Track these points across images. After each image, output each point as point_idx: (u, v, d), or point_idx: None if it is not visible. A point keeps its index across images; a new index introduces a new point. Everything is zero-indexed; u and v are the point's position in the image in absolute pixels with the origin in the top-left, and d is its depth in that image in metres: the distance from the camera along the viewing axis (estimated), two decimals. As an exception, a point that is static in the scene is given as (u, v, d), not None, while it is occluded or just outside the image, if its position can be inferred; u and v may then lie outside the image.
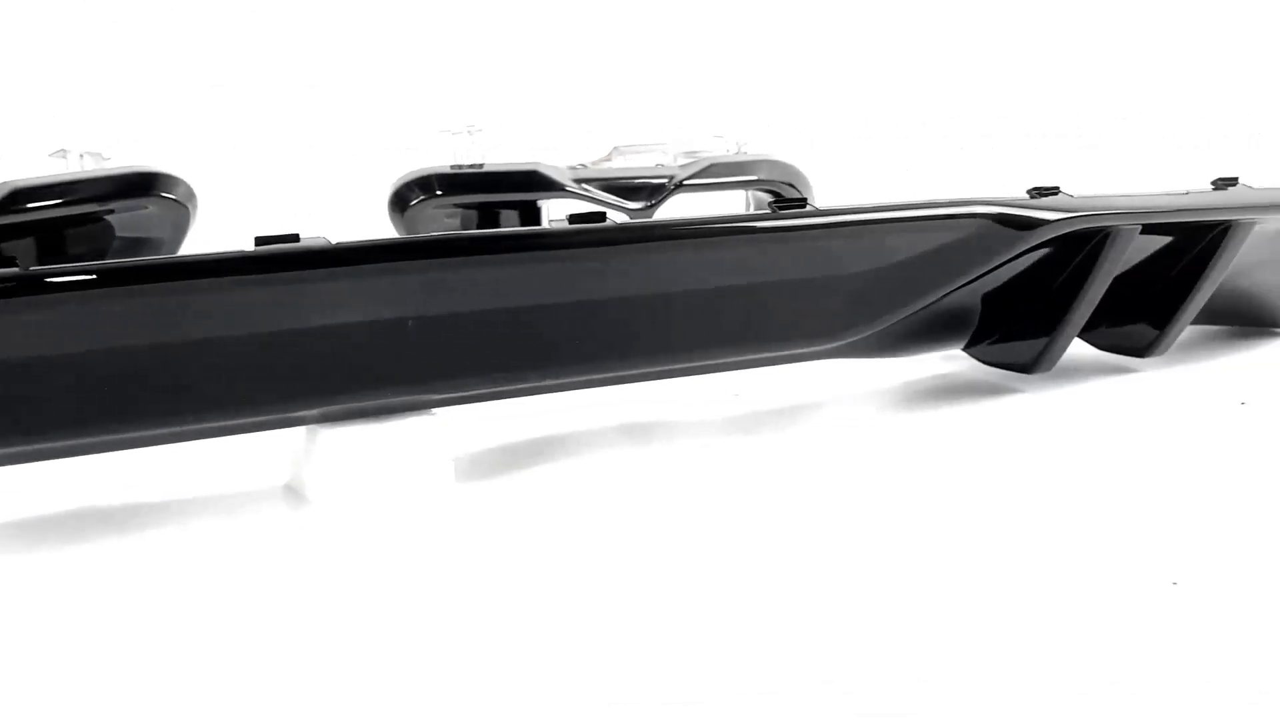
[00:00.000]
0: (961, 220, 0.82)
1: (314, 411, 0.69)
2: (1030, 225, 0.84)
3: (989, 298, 0.88)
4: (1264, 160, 1.56)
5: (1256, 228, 0.93)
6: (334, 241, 0.66)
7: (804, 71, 1.60)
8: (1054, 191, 0.87)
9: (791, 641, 0.51)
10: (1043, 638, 0.51)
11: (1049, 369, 0.90)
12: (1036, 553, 0.60)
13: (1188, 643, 0.50)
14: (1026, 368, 0.89)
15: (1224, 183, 0.95)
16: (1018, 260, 0.86)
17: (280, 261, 0.64)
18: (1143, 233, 0.89)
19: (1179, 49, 1.70)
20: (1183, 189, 0.93)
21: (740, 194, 1.14)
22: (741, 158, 1.12)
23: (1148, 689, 0.46)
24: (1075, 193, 0.88)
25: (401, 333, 0.68)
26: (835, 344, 0.82)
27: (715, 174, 1.09)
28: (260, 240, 0.65)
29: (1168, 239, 0.93)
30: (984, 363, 0.93)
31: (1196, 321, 0.97)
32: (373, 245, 0.67)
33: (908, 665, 0.49)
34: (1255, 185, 0.96)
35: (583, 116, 1.42)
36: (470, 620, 0.55)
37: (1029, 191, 0.86)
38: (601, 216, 0.74)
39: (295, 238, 0.66)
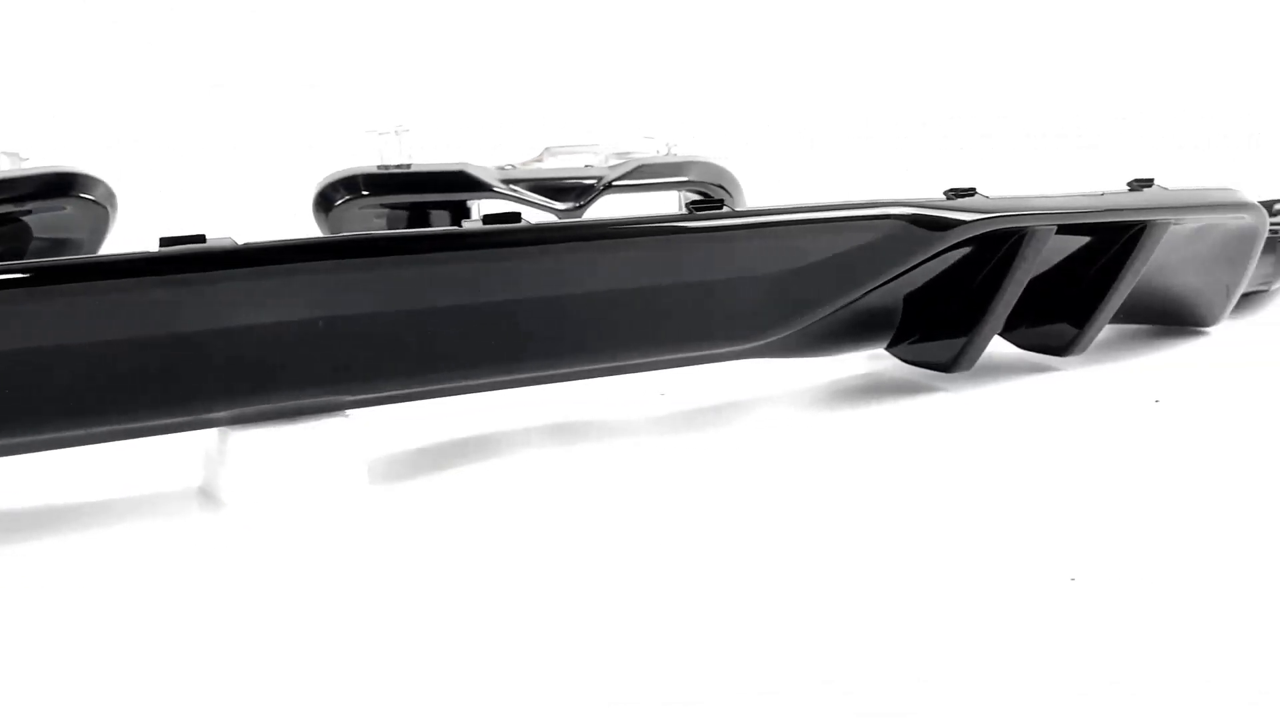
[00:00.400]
0: (876, 221, 0.83)
1: (225, 413, 0.69)
2: (945, 226, 0.85)
3: (910, 298, 0.88)
4: (1264, 160, 1.58)
5: (1173, 228, 0.95)
6: (240, 242, 0.66)
7: (803, 73, 1.61)
8: (971, 192, 0.88)
9: (740, 640, 0.51)
10: (975, 635, 0.52)
11: (969, 368, 0.91)
12: (950, 549, 0.61)
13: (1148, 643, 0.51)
14: (946, 367, 0.90)
15: (1140, 184, 0.97)
16: (935, 261, 0.86)
17: (184, 262, 0.64)
18: (1061, 233, 0.90)
19: (1179, 49, 1.71)
20: (1099, 190, 0.95)
21: (673, 195, 1.15)
22: (671, 159, 1.12)
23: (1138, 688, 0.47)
24: (992, 194, 0.89)
25: (312, 334, 0.68)
26: (754, 344, 0.83)
27: (644, 175, 1.10)
28: (165, 241, 0.65)
29: (1086, 239, 0.94)
30: (906, 362, 0.94)
31: (1116, 320, 0.98)
32: (277, 246, 0.67)
33: (885, 664, 0.49)
34: (1170, 186, 0.97)
35: (515, 117, 1.42)
36: (380, 624, 0.55)
37: (946, 193, 0.87)
38: (517, 217, 0.74)
39: (201, 238, 0.65)
